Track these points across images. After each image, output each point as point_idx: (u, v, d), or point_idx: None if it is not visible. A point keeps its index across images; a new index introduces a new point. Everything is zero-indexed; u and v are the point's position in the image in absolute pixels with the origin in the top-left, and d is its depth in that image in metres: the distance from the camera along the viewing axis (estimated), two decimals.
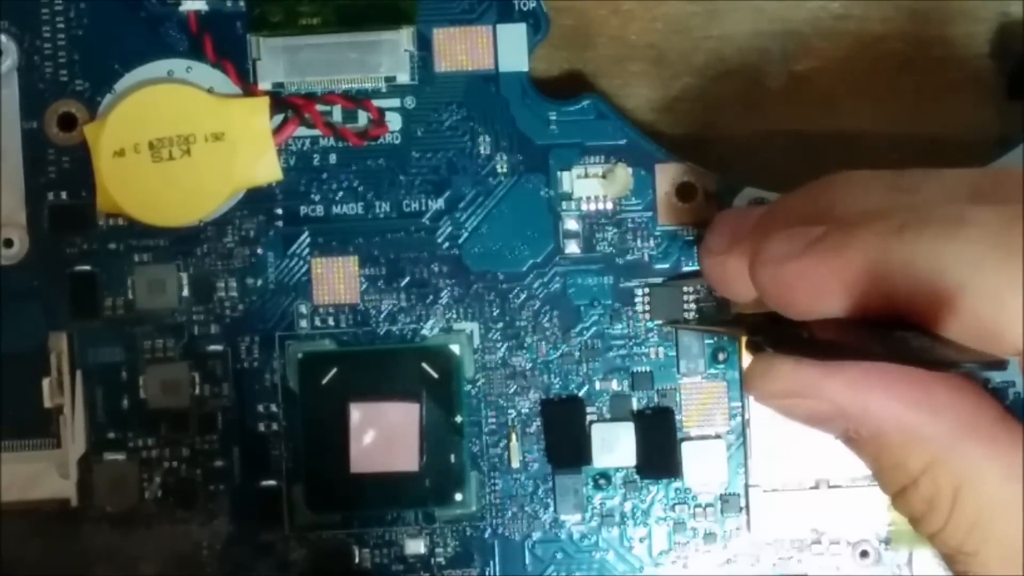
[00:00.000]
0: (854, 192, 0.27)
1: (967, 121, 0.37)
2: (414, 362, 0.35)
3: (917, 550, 0.36)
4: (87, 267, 0.35)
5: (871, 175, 0.27)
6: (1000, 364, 0.23)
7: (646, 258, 0.36)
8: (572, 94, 0.36)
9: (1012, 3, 0.37)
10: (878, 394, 0.26)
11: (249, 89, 0.35)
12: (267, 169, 0.35)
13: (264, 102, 0.34)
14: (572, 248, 0.36)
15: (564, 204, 0.36)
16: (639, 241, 0.36)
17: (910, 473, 0.26)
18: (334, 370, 0.35)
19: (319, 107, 0.35)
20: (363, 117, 0.35)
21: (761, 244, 0.27)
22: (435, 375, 0.35)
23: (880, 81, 0.37)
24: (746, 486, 0.36)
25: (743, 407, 0.36)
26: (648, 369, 0.36)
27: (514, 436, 0.36)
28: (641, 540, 0.36)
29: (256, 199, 0.35)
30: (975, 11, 0.37)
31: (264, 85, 0.35)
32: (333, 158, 0.36)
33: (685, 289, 0.36)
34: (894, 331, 0.24)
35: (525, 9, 0.35)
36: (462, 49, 0.35)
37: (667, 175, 0.35)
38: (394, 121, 0.35)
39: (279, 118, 0.35)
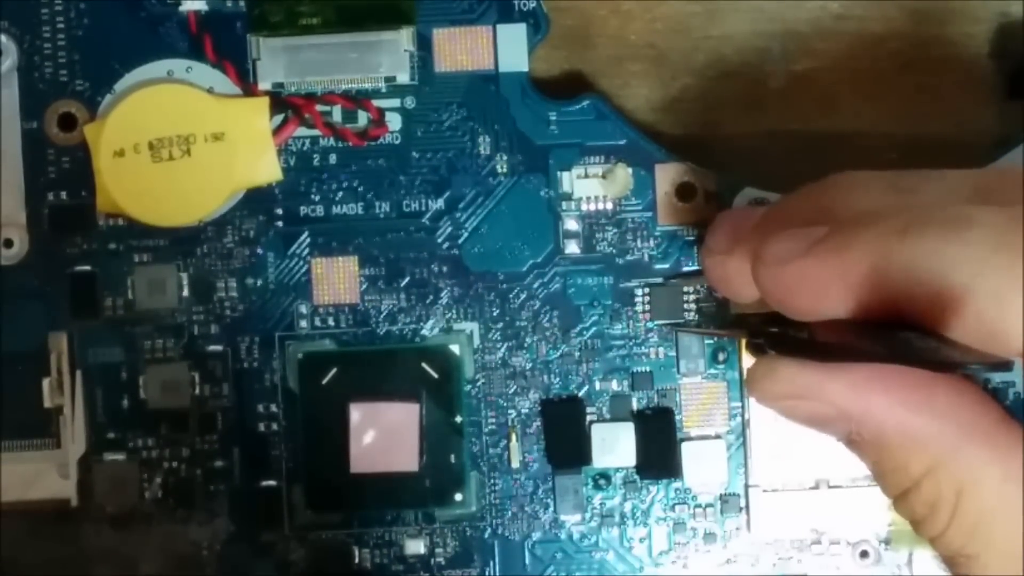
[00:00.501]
0: (855, 193, 0.27)
1: (967, 121, 0.37)
2: (414, 362, 0.35)
3: (917, 550, 0.36)
4: (87, 267, 0.35)
5: (871, 176, 0.27)
6: (1004, 365, 0.23)
7: (646, 258, 0.36)
8: (572, 94, 0.36)
9: (1012, 3, 0.37)
10: (880, 397, 0.26)
11: (249, 89, 0.35)
12: (267, 169, 0.35)
13: (264, 102, 0.34)
14: (572, 248, 0.36)
15: (564, 204, 0.36)
16: (639, 241, 0.36)
17: (911, 476, 0.26)
18: (334, 370, 0.35)
19: (319, 107, 0.35)
20: (363, 117, 0.35)
21: (762, 245, 0.27)
22: (435, 375, 0.35)
23: (880, 81, 0.37)
24: (746, 486, 0.36)
25: (743, 407, 0.36)
26: (648, 369, 0.36)
27: (514, 436, 0.36)
28: (641, 540, 0.36)
29: (256, 199, 0.35)
30: (975, 11, 0.37)
31: (264, 85, 0.35)
32: (333, 158, 0.36)
33: (685, 289, 0.36)
34: (896, 332, 0.24)
35: (525, 9, 0.35)
36: (462, 49, 0.35)
37: (667, 175, 0.35)
38: (394, 121, 0.35)
39: (279, 118, 0.35)
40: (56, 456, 0.35)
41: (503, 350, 0.36)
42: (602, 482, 0.36)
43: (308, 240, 0.36)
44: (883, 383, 0.26)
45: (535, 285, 0.36)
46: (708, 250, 0.32)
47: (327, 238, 0.36)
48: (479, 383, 0.36)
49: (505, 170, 0.36)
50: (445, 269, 0.36)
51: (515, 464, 0.36)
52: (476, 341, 0.36)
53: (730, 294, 0.32)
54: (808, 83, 0.37)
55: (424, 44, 0.35)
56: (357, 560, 0.36)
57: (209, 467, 0.36)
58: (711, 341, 0.36)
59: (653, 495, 0.36)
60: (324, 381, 0.35)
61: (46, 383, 0.35)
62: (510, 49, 0.35)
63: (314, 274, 0.36)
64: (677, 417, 0.36)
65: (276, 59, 0.35)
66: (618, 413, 0.36)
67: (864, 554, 0.36)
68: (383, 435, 0.35)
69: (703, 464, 0.36)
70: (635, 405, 0.36)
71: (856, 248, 0.25)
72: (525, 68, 0.35)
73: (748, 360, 0.35)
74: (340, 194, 0.36)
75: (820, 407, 0.27)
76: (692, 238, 0.35)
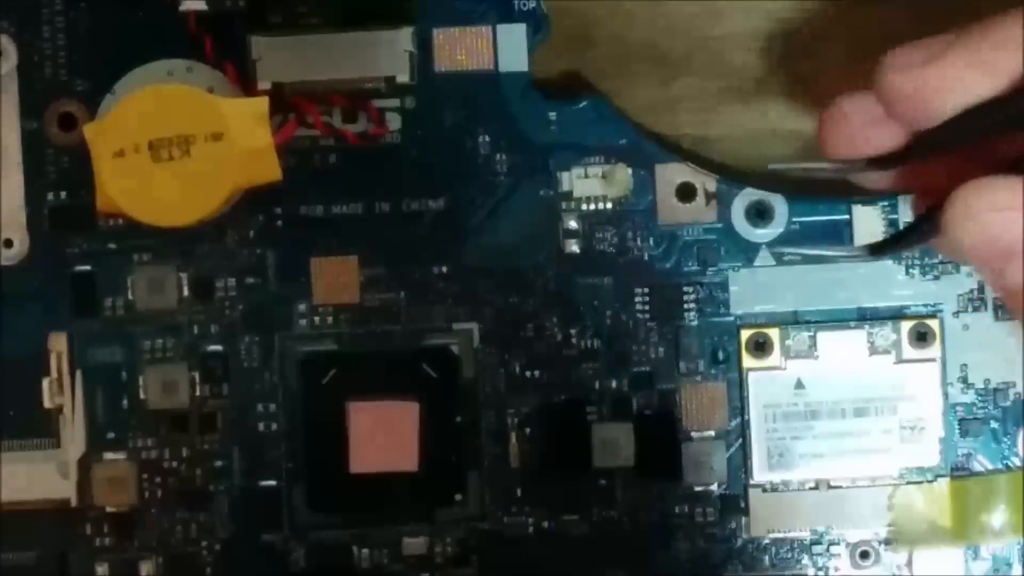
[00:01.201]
0: None
1: None
2: (414, 362, 0.35)
3: (917, 550, 0.36)
4: (87, 267, 0.35)
5: None
6: None
7: (646, 258, 0.36)
8: (572, 94, 0.36)
9: (1013, 3, 0.37)
10: None
11: (249, 89, 0.35)
12: (267, 169, 0.35)
13: (264, 102, 0.34)
14: (572, 248, 0.36)
15: (564, 204, 0.36)
16: (639, 241, 0.36)
17: None
18: (334, 370, 0.35)
19: (319, 107, 0.35)
20: (363, 117, 0.35)
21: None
22: (435, 375, 0.35)
23: None
24: (746, 486, 0.36)
25: (743, 407, 0.36)
26: (648, 369, 0.36)
27: (514, 436, 0.36)
28: (641, 540, 0.36)
29: (256, 199, 0.35)
30: (975, 11, 0.37)
31: (264, 85, 0.35)
32: (333, 158, 0.36)
33: (685, 289, 0.36)
34: None
35: (525, 9, 0.35)
36: (462, 49, 0.35)
37: (667, 175, 0.35)
38: (394, 121, 0.35)
39: (279, 118, 0.35)
40: (56, 456, 0.35)
41: (503, 350, 0.36)
42: (602, 482, 0.36)
43: (308, 240, 0.36)
44: None
45: (535, 285, 0.36)
46: (898, 66, 0.29)
47: (327, 238, 0.36)
48: (479, 383, 0.36)
49: (505, 170, 0.36)
50: (445, 269, 0.36)
51: (515, 464, 0.36)
52: (476, 341, 0.36)
53: (924, 101, 0.29)
54: (808, 83, 0.37)
55: (424, 44, 0.35)
56: (357, 560, 0.36)
57: (209, 467, 0.36)
58: (710, 341, 0.36)
59: (653, 495, 0.36)
60: (324, 381, 0.35)
61: (46, 383, 0.35)
62: (510, 49, 0.35)
63: (314, 274, 0.36)
64: (677, 417, 0.36)
65: (276, 59, 0.35)
66: (618, 413, 0.36)
67: (864, 554, 0.36)
68: (383, 435, 0.35)
69: (703, 464, 0.36)
70: (635, 405, 0.36)
71: None
72: (525, 68, 0.35)
73: (748, 360, 0.35)
74: (340, 194, 0.36)
75: None
76: (691, 238, 0.36)
